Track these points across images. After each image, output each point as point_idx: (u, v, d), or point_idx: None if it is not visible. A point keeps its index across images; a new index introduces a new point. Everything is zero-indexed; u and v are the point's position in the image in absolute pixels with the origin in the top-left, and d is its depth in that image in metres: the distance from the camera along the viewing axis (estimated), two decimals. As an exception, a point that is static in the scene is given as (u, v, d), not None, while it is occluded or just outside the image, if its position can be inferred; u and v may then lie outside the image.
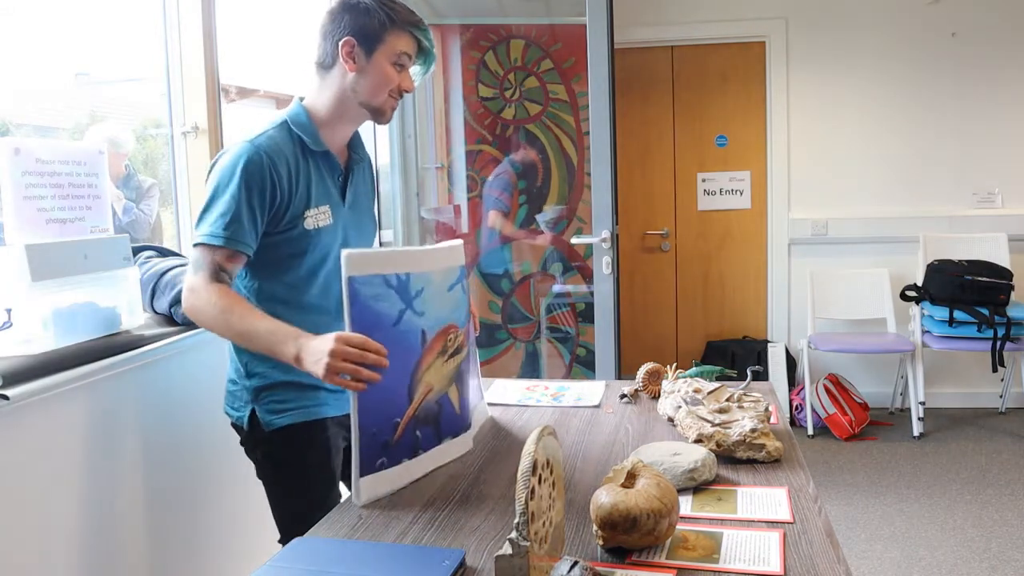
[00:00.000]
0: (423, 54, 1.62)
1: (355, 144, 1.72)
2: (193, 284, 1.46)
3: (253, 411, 1.61)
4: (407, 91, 1.61)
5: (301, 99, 1.63)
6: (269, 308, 1.55)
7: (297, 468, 1.63)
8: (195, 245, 1.48)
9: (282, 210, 1.54)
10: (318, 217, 1.58)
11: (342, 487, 1.73)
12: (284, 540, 1.65)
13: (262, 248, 1.53)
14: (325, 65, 1.59)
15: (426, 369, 1.41)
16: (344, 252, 1.28)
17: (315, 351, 1.31)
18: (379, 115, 1.62)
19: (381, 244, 2.31)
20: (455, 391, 1.51)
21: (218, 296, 1.43)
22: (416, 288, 1.36)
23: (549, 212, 3.94)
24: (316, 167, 1.60)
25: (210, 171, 1.54)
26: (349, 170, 1.68)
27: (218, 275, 1.46)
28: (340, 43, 1.55)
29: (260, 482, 1.68)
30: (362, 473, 1.32)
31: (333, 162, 1.63)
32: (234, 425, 1.67)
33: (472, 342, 1.67)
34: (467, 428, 1.57)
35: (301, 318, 1.55)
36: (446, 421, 1.49)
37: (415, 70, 1.63)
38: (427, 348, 1.40)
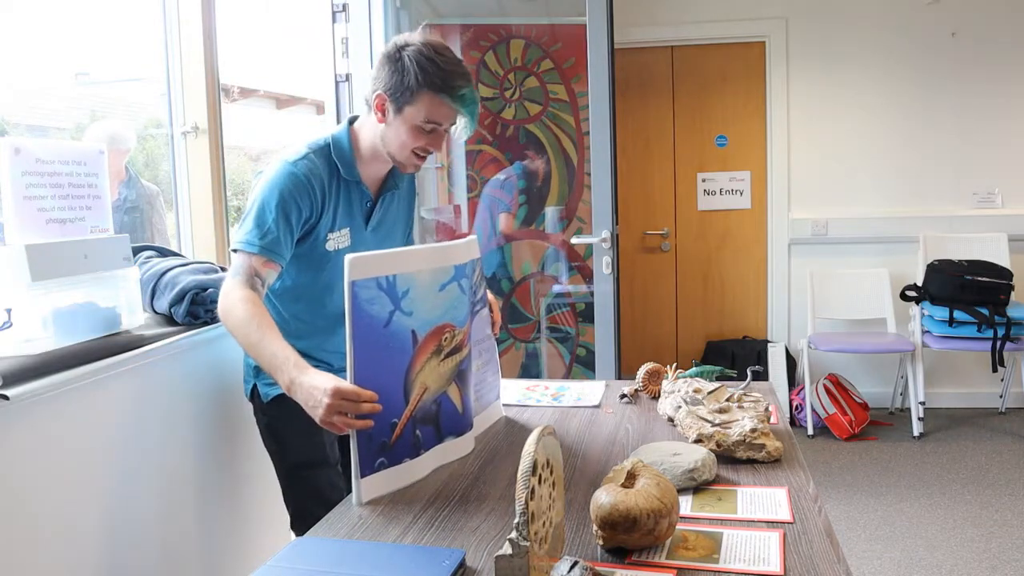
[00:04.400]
0: (467, 111, 1.62)
1: (393, 172, 1.78)
2: (226, 287, 1.55)
3: (255, 385, 1.78)
4: (434, 151, 1.69)
5: (351, 120, 1.72)
6: (293, 306, 1.75)
7: (290, 431, 1.75)
8: (233, 250, 1.59)
9: (310, 227, 1.65)
10: (339, 240, 1.70)
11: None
12: (294, 523, 1.78)
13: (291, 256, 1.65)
14: (368, 105, 1.67)
15: (420, 369, 1.41)
16: (347, 257, 1.29)
17: (309, 396, 1.34)
18: (400, 167, 1.71)
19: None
20: (456, 390, 1.51)
21: (243, 304, 1.50)
22: (402, 289, 1.37)
23: (551, 211, 3.94)
24: (346, 193, 1.70)
25: (254, 185, 1.66)
26: (380, 197, 1.77)
27: (252, 280, 1.55)
28: (375, 94, 1.62)
29: (264, 480, 1.75)
30: (362, 474, 1.33)
31: (363, 191, 1.73)
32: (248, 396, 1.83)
33: (493, 343, 1.76)
34: (469, 428, 1.57)
35: (320, 321, 1.76)
36: (447, 420, 1.49)
37: (461, 124, 1.66)
38: (419, 348, 1.40)
